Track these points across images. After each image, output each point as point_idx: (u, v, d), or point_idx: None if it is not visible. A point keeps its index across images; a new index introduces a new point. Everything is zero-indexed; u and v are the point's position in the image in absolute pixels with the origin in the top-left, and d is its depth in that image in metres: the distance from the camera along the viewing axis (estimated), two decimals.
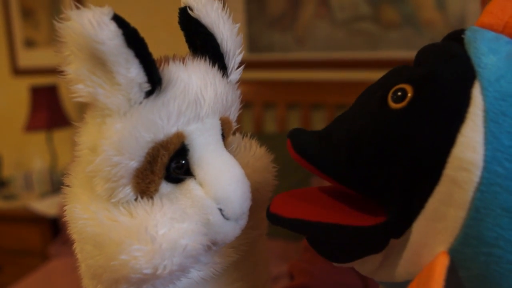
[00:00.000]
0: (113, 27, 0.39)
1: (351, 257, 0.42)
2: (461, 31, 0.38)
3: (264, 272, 0.58)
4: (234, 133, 0.54)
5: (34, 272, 1.90)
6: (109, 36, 0.39)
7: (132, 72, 0.41)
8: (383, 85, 0.40)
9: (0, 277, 2.47)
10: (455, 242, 0.34)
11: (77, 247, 0.47)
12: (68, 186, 0.48)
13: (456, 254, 0.34)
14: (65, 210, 0.47)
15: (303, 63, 2.30)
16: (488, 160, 0.32)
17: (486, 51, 0.35)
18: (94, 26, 0.38)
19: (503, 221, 0.32)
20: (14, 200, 2.53)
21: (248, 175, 0.51)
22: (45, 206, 2.36)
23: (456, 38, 0.38)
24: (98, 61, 0.41)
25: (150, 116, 0.43)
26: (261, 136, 2.22)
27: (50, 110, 2.41)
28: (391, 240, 0.38)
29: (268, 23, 2.31)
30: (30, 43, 2.69)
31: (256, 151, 0.55)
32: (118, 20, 0.40)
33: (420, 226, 0.36)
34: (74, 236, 0.46)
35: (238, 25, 0.51)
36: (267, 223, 0.57)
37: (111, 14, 0.39)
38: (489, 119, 0.33)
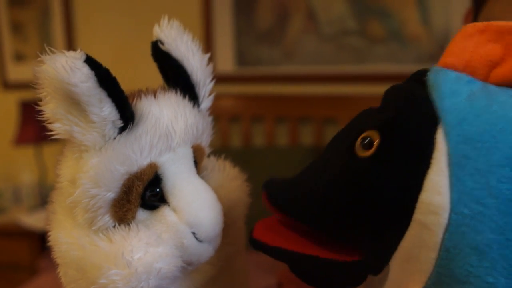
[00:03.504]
0: (85, 70, 0.41)
1: (332, 285, 0.43)
2: (425, 72, 0.40)
3: (243, 287, 0.60)
4: (208, 156, 0.57)
5: (23, 286, 1.90)
6: (82, 79, 0.41)
7: (105, 111, 0.43)
8: (350, 133, 0.41)
9: None
10: (429, 281, 0.36)
11: (61, 271, 0.49)
12: (52, 212, 0.50)
13: None
14: (49, 236, 0.49)
15: (291, 77, 2.31)
16: (455, 203, 0.34)
17: (448, 94, 0.36)
18: (67, 70, 0.41)
19: (472, 259, 0.33)
20: (2, 214, 2.52)
21: (223, 196, 0.54)
22: (34, 220, 2.35)
23: (419, 79, 0.40)
24: (73, 102, 0.43)
25: (123, 151, 0.45)
26: (249, 150, 2.23)
27: (39, 124, 2.40)
28: (369, 276, 0.40)
29: (256, 37, 2.33)
30: (19, 57, 2.70)
31: (230, 172, 0.58)
32: (90, 62, 0.42)
33: (395, 266, 0.37)
34: (58, 261, 0.49)
35: (207, 55, 0.53)
36: (244, 240, 0.59)
37: (83, 58, 0.42)
38: (453, 163, 0.34)
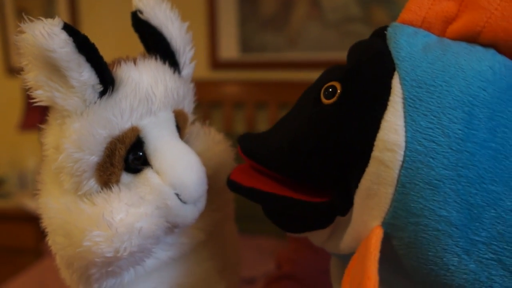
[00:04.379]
0: (63, 36, 0.43)
1: (302, 228, 0.46)
2: (385, 28, 0.43)
3: (233, 254, 0.62)
4: (193, 123, 0.58)
5: (28, 269, 1.92)
6: (60, 45, 0.42)
7: (84, 75, 0.44)
8: (316, 85, 0.45)
9: None
10: (387, 216, 0.38)
11: (50, 239, 0.50)
12: (40, 183, 0.52)
13: (389, 227, 0.38)
14: (39, 204, 0.51)
15: (295, 63, 2.32)
16: (409, 141, 0.36)
17: (404, 45, 0.40)
18: (45, 36, 0.42)
19: (426, 193, 0.36)
20: (8, 199, 2.55)
21: (209, 158, 0.55)
22: None
23: (380, 34, 0.43)
24: (53, 68, 0.44)
25: (104, 114, 0.46)
26: None
27: (43, 110, 2.42)
28: (337, 217, 0.42)
29: (261, 23, 2.34)
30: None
31: (215, 137, 0.60)
32: (68, 29, 0.43)
33: (357, 204, 0.40)
34: (48, 228, 0.50)
35: (186, 23, 0.54)
36: (232, 206, 0.60)
37: (61, 24, 0.43)
38: (408, 105, 0.37)
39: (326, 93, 0.42)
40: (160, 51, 0.53)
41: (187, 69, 0.55)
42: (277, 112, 2.29)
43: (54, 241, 0.49)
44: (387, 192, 0.37)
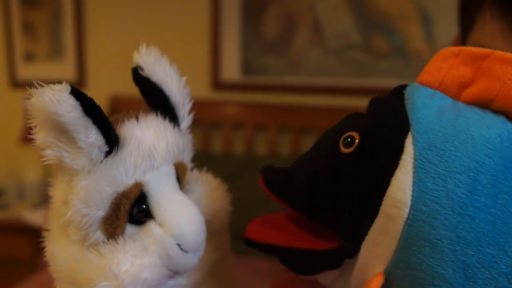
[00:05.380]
0: (71, 101, 0.45)
1: (314, 271, 0.48)
2: (404, 87, 0.45)
3: (230, 286, 0.64)
4: (192, 170, 0.60)
5: (23, 282, 1.93)
6: (68, 110, 0.44)
7: (91, 137, 0.46)
8: (337, 132, 0.46)
9: None
10: (389, 265, 0.40)
11: (57, 285, 0.52)
12: (47, 230, 0.54)
13: (390, 274, 0.40)
14: (45, 252, 0.53)
15: (295, 87, 2.35)
16: (415, 200, 0.38)
17: (420, 107, 0.41)
18: (54, 102, 0.44)
19: (425, 250, 0.38)
20: (6, 210, 2.56)
21: (206, 205, 0.58)
22: (37, 217, 2.38)
23: (399, 93, 0.45)
24: (62, 130, 0.46)
25: (110, 173, 0.49)
26: (251, 157, 2.26)
27: None
28: (346, 260, 0.44)
29: (263, 47, 2.37)
30: (29, 57, 2.74)
31: (212, 183, 0.61)
32: (75, 93, 0.45)
33: (364, 250, 0.42)
34: (54, 275, 0.52)
35: (184, 78, 0.57)
36: (228, 246, 0.62)
37: (69, 89, 0.45)
38: (418, 166, 0.39)
39: (345, 142, 0.44)
40: (160, 106, 0.55)
41: (185, 122, 0.57)
42: (276, 134, 2.32)
43: (61, 287, 0.51)
44: (391, 244, 0.39)
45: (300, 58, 2.33)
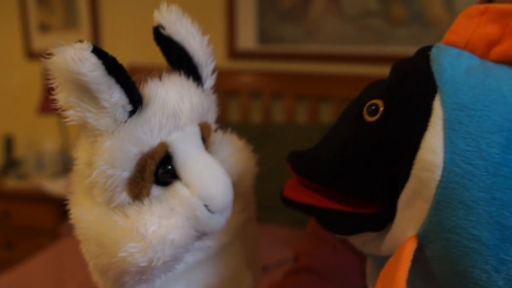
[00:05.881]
0: (93, 59, 0.44)
1: (353, 233, 0.48)
2: (429, 48, 0.44)
3: (255, 253, 0.64)
4: (216, 131, 0.60)
5: (45, 250, 1.95)
6: (90, 68, 0.44)
7: (114, 96, 0.46)
8: (359, 101, 0.46)
9: (12, 254, 2.53)
10: (422, 228, 0.40)
11: (83, 247, 0.52)
12: (71, 193, 0.54)
13: (423, 238, 0.40)
14: (70, 214, 0.53)
15: (312, 55, 2.33)
16: (447, 162, 0.38)
17: (447, 67, 0.41)
18: (76, 61, 0.43)
19: (459, 212, 0.37)
20: (26, 180, 2.58)
21: (232, 166, 0.58)
22: (56, 186, 2.41)
23: (424, 54, 0.44)
24: (84, 90, 0.46)
25: (135, 133, 0.48)
26: (268, 126, 2.26)
27: None
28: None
29: (279, 15, 2.34)
30: (44, 28, 2.73)
31: (237, 144, 0.61)
32: (97, 52, 0.45)
33: (397, 214, 0.42)
34: (80, 237, 0.52)
35: (207, 36, 0.56)
36: (253, 209, 0.63)
37: (90, 48, 0.44)
38: (448, 127, 0.38)
39: (369, 110, 0.43)
40: (183, 65, 0.54)
41: (209, 82, 0.57)
42: (293, 103, 2.31)
43: (87, 249, 0.51)
44: (423, 207, 0.39)
45: (317, 26, 2.30)
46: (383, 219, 0.44)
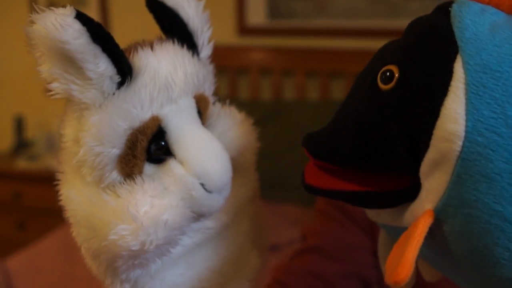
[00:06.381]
0: (77, 26, 0.41)
1: (386, 207, 0.45)
2: (450, 3, 0.40)
3: (261, 232, 0.61)
4: (213, 103, 0.56)
5: (56, 230, 1.96)
6: (74, 36, 0.41)
7: (101, 66, 0.43)
8: (372, 68, 0.42)
9: (24, 234, 2.55)
10: (440, 202, 0.37)
11: (74, 230, 0.49)
12: (60, 173, 0.50)
13: (441, 212, 0.37)
14: (60, 195, 0.49)
15: (323, 30, 2.29)
16: (469, 131, 0.34)
17: (470, 25, 0.37)
18: (58, 28, 0.40)
19: (481, 185, 0.34)
20: (37, 161, 2.59)
21: (231, 140, 0.54)
22: None
23: (444, 11, 0.40)
24: (68, 59, 0.43)
25: (124, 106, 0.45)
26: (279, 103, 2.24)
27: None
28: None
29: None
30: (53, 5, 2.67)
31: (237, 117, 0.57)
32: (81, 18, 0.41)
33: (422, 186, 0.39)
34: (71, 220, 0.49)
35: (203, 2, 0.52)
36: (256, 186, 0.59)
37: (73, 13, 0.41)
38: (470, 91, 0.35)
39: (383, 77, 0.40)
40: (177, 33, 0.51)
41: (205, 51, 0.53)
42: (304, 79, 2.28)
43: (78, 233, 0.48)
44: (442, 179, 0.36)
45: (328, 0, 2.26)
46: (414, 192, 0.41)
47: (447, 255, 0.39)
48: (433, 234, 0.37)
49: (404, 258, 0.35)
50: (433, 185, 0.37)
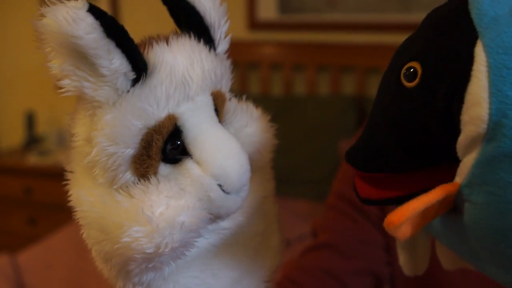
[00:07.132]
0: (89, 20, 0.39)
1: None
2: None
3: (275, 233, 0.59)
4: (229, 99, 0.54)
5: (66, 225, 1.97)
6: (87, 30, 0.39)
7: (115, 63, 0.41)
8: (394, 67, 0.42)
9: (35, 229, 2.56)
10: (464, 180, 0.37)
11: (84, 232, 0.47)
12: (70, 172, 0.48)
13: (464, 189, 0.37)
14: (70, 196, 0.48)
15: (334, 25, 2.28)
16: (493, 113, 0.34)
17: (489, 10, 0.36)
18: (70, 22, 0.38)
19: (504, 165, 0.34)
20: (48, 156, 2.60)
21: (248, 137, 0.52)
22: None
23: None
24: (80, 55, 0.41)
25: (138, 104, 0.43)
26: (290, 98, 2.23)
27: None
28: None
29: None
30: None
31: (253, 113, 0.55)
32: (94, 11, 0.40)
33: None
34: (81, 221, 0.47)
35: None
36: (272, 185, 0.57)
37: (86, 7, 0.39)
38: (493, 73, 0.34)
39: (407, 73, 0.40)
40: (193, 27, 0.49)
41: (222, 45, 0.51)
42: (315, 74, 2.27)
43: (89, 235, 0.46)
44: (468, 159, 0.37)
45: None
46: None
47: (469, 235, 0.39)
48: (458, 211, 0.38)
49: (405, 205, 0.36)
50: (462, 166, 0.38)
